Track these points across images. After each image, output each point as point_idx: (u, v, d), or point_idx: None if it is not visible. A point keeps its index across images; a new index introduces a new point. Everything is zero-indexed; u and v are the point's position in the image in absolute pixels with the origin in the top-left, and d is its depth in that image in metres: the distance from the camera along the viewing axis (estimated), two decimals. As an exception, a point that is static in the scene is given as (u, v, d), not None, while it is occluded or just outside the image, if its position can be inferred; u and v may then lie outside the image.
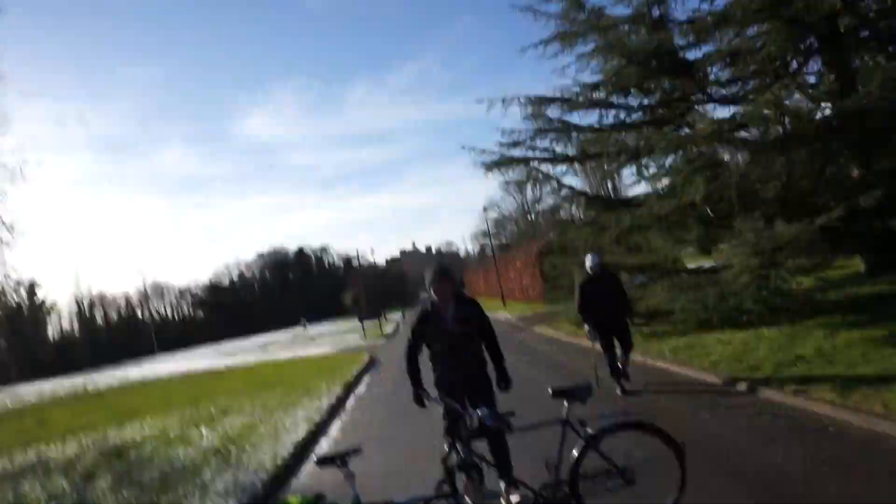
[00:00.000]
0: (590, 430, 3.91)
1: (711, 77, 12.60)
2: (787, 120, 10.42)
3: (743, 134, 11.39)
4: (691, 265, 15.67)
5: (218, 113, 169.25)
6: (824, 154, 10.62)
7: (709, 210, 11.28)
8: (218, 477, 7.06)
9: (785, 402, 6.00)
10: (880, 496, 3.73)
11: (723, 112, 19.97)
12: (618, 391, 7.72)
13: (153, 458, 8.86)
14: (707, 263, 14.52)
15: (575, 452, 3.88)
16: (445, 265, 5.26)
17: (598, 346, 8.00)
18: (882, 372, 5.95)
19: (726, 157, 11.95)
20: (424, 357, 5.03)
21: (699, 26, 11.50)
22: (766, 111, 9.64)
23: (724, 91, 12.86)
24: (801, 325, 9.00)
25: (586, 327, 7.95)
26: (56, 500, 7.41)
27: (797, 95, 11.72)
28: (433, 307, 4.89)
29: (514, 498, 4.85)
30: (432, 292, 4.89)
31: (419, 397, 4.91)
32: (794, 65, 11.86)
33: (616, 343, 7.99)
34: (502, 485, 4.97)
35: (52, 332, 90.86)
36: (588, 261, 8.00)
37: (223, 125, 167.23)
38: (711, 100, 12.84)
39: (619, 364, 7.87)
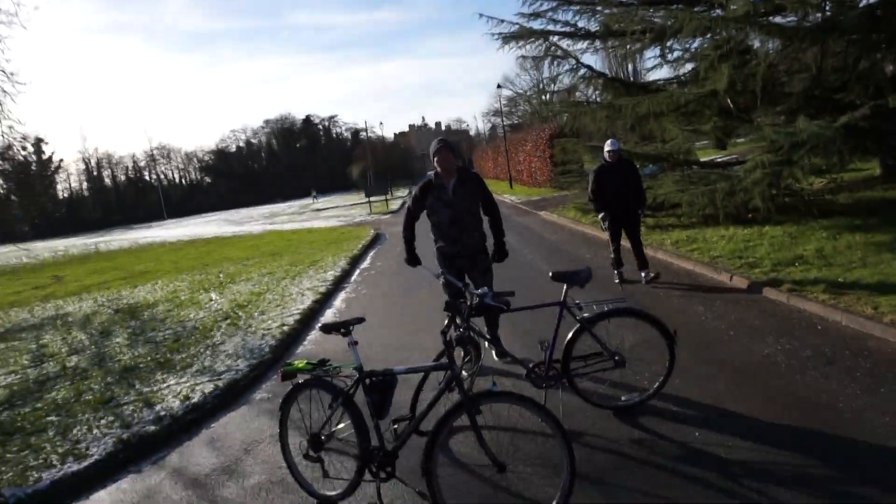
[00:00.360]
0: (585, 314, 4.05)
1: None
2: (828, 5, 9.68)
3: (778, 19, 10.67)
4: (704, 159, 15.41)
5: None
6: (861, 47, 10.00)
7: (730, 101, 10.84)
8: (227, 339, 7.44)
9: (779, 300, 6.15)
10: (857, 387, 3.92)
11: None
12: (616, 280, 7.89)
13: (165, 319, 9.29)
14: (720, 158, 14.24)
15: (570, 334, 4.05)
16: (448, 139, 5.35)
17: (606, 235, 8.02)
18: (877, 276, 6.03)
19: (756, 44, 11.22)
20: (426, 230, 5.25)
21: None
22: (808, -8, 8.96)
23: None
24: (805, 226, 9.00)
25: (601, 216, 7.78)
26: (76, 353, 7.87)
27: (844, -24, 10.81)
28: (436, 177, 5.08)
29: (500, 360, 5.18)
30: (435, 163, 5.02)
31: (412, 260, 5.35)
32: (848, -62, 10.83)
33: (623, 235, 7.98)
34: (494, 353, 5.31)
35: (60, 189, 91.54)
36: (607, 146, 7.63)
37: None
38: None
39: (621, 255, 7.90)
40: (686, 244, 9.32)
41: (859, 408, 3.67)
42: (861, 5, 9.94)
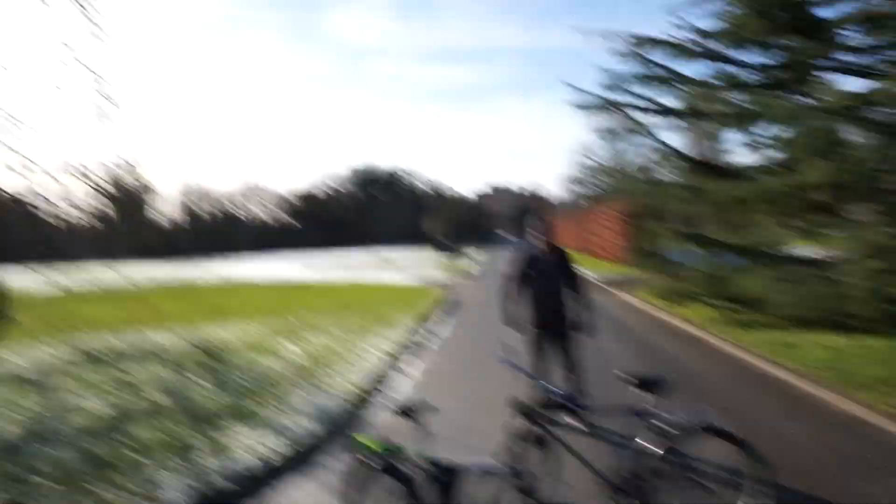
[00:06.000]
0: (672, 430, 3.83)
1: (844, 42, 11.25)
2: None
3: (871, 113, 10.25)
4: (792, 250, 14.72)
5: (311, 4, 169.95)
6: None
7: (820, 195, 10.37)
8: (301, 395, 7.59)
9: (878, 425, 5.71)
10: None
11: (847, 84, 17.98)
12: None
13: (244, 364, 9.60)
14: (807, 250, 13.48)
15: (655, 449, 3.83)
16: (545, 214, 5.62)
17: None
18: None
19: (854, 138, 10.81)
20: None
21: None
22: (903, 88, 8.63)
23: (854, 59, 11.49)
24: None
25: None
26: (164, 391, 8.17)
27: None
28: (534, 248, 5.62)
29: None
30: (534, 233, 5.53)
31: (511, 322, 5.72)
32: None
33: None
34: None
35: (154, 215, 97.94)
36: None
37: (316, 17, 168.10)
38: (838, 69, 11.53)
39: None
40: (768, 345, 8.84)
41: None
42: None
